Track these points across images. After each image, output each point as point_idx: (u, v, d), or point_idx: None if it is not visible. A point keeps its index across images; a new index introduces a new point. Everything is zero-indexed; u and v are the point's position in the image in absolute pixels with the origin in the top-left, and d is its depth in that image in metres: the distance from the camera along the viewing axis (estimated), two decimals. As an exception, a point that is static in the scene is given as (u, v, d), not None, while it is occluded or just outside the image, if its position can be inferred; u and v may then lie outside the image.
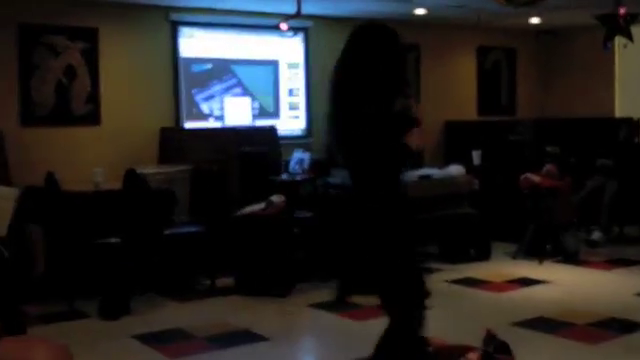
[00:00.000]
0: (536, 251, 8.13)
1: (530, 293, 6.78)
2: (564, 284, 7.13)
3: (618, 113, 11.17)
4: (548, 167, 8.37)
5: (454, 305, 6.23)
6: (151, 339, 5.53)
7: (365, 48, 3.50)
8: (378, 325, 5.78)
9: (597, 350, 5.12)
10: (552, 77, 12.15)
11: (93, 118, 8.42)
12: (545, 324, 5.75)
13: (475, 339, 4.90)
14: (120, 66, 8.61)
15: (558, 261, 8.00)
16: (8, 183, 6.77)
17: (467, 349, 4.75)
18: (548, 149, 9.02)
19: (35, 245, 6.65)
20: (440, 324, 5.66)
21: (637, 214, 9.27)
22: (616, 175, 9.10)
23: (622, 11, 7.90)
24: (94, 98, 8.41)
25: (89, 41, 8.36)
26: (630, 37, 8.40)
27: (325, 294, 6.67)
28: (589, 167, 8.98)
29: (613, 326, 5.66)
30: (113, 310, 6.17)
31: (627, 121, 9.97)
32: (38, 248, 6.68)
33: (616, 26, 8.04)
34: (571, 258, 8.05)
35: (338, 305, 6.32)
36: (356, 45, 3.53)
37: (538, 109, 12.01)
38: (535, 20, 10.83)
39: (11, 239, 5.53)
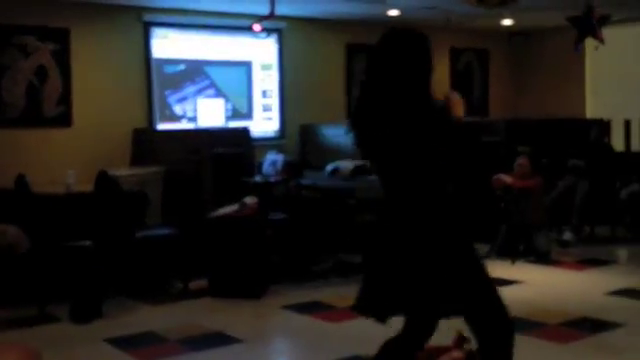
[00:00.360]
0: (508, 251, 8.16)
1: (504, 293, 6.79)
2: (536, 284, 7.16)
3: (589, 114, 11.27)
4: (520, 161, 8.39)
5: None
6: (124, 343, 5.48)
7: (398, 52, 3.47)
8: (351, 326, 5.80)
9: (568, 350, 5.15)
10: (524, 78, 12.24)
11: (65, 119, 8.36)
12: (517, 324, 5.74)
13: (449, 341, 4.90)
14: (92, 67, 8.56)
15: (530, 261, 8.03)
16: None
17: (450, 349, 4.73)
18: (519, 149, 9.05)
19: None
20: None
21: (608, 214, 9.34)
22: (587, 175, 9.16)
23: (595, 14, 7.98)
24: (66, 99, 8.36)
25: (60, 42, 8.30)
26: (601, 39, 8.47)
27: (299, 296, 6.70)
28: (560, 167, 9.04)
29: (584, 326, 5.69)
30: (85, 314, 6.11)
31: (598, 122, 10.05)
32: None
33: (587, 28, 8.09)
34: (543, 258, 8.09)
35: (311, 306, 6.35)
36: (389, 49, 3.50)
37: (510, 110, 12.08)
38: (507, 22, 10.89)
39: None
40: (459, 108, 3.36)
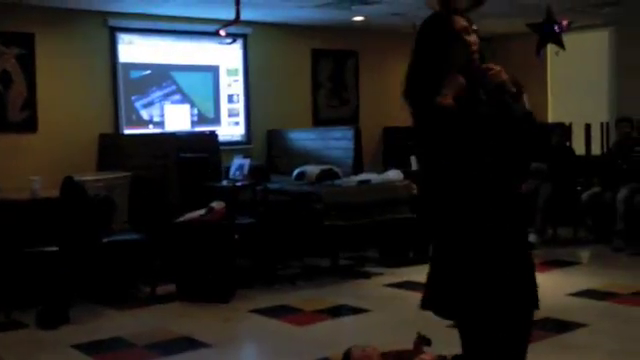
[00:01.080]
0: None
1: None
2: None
3: (551, 118, 11.38)
4: None
5: (394, 309, 6.26)
6: (91, 348, 5.44)
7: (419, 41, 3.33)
8: (319, 329, 5.82)
9: (532, 349, 5.12)
10: (487, 83, 12.32)
11: (30, 125, 8.30)
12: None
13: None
14: (57, 72, 8.50)
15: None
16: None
17: (419, 352, 4.73)
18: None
19: None
20: (381, 328, 5.71)
21: (570, 216, 9.44)
22: (550, 178, 9.25)
23: (564, 22, 8.07)
24: (31, 104, 8.29)
25: (25, 47, 8.23)
26: (562, 45, 8.57)
27: (267, 300, 6.70)
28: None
29: (547, 326, 5.71)
30: (52, 320, 6.06)
31: (559, 126, 10.15)
32: None
33: (548, 34, 8.19)
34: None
35: (279, 310, 6.35)
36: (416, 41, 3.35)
37: (474, 114, 12.17)
38: (470, 27, 10.96)
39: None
40: (501, 72, 3.14)
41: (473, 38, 3.12)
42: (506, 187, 3.10)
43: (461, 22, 3.13)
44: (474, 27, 3.13)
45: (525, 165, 3.34)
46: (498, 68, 3.13)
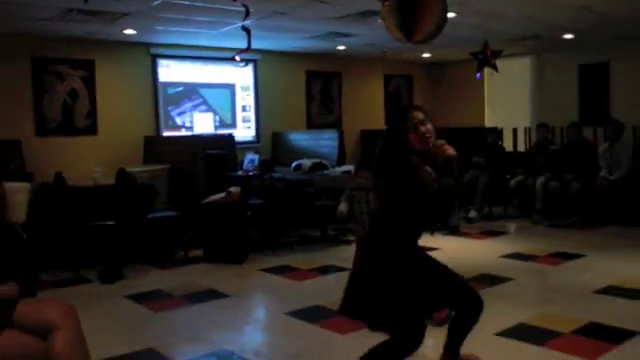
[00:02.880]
0: (427, 226, 8.24)
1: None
2: (449, 250, 7.22)
3: (487, 124, 11.40)
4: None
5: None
6: (139, 298, 5.47)
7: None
8: (312, 284, 5.85)
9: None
10: (439, 96, 12.35)
11: (92, 129, 8.31)
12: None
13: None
14: (112, 89, 8.50)
15: (445, 233, 8.12)
16: (26, 180, 6.63)
17: None
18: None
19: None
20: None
21: (501, 198, 9.49)
22: (486, 169, 9.29)
23: (490, 50, 8.09)
24: (92, 114, 8.30)
25: (88, 70, 8.24)
26: (495, 68, 8.59)
27: (272, 261, 6.72)
28: (466, 164, 9.14)
29: (484, 280, 5.75)
30: (110, 276, 6.09)
31: (493, 129, 10.17)
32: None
33: (485, 60, 8.21)
34: (454, 231, 8.19)
35: (282, 269, 6.38)
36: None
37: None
38: (426, 55, 11.02)
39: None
40: (446, 148, 3.22)
41: (429, 127, 3.25)
42: (418, 235, 3.35)
43: (418, 116, 3.26)
44: (427, 119, 3.27)
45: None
46: (445, 145, 3.23)
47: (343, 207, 5.79)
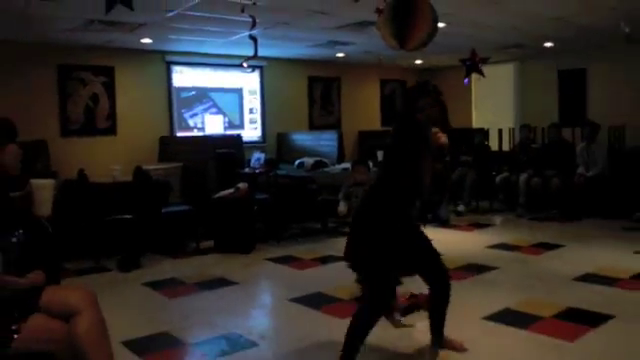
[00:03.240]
0: (420, 219, 8.23)
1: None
2: (439, 242, 7.16)
3: (474, 125, 11.40)
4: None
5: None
6: (155, 285, 5.48)
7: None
8: (314, 272, 5.85)
9: (461, 285, 5.23)
10: (430, 100, 12.31)
11: (111, 130, 8.31)
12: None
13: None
14: (130, 93, 8.50)
15: (435, 226, 8.12)
16: (52, 177, 6.63)
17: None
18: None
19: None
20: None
21: (488, 193, 9.48)
22: (474, 166, 9.29)
23: (477, 57, 8.06)
24: (112, 116, 8.30)
25: (108, 76, 8.24)
26: (482, 74, 8.57)
27: (277, 251, 6.73)
28: (455, 162, 9.15)
29: (471, 268, 5.76)
30: (128, 265, 6.10)
31: (480, 130, 10.17)
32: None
33: (472, 66, 8.18)
34: (445, 224, 8.20)
35: (286, 259, 6.38)
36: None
37: (421, 122, 12.17)
38: (418, 61, 11.01)
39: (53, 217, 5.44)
40: (440, 136, 3.30)
41: (435, 109, 3.35)
42: (411, 205, 3.42)
43: (427, 100, 3.36)
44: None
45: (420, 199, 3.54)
46: (439, 133, 3.30)
47: (342, 207, 5.76)
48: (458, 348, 3.63)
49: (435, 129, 3.30)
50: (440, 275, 3.48)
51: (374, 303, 3.27)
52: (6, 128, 2.86)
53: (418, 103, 3.34)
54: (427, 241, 3.48)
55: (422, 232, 3.52)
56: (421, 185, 3.27)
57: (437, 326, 3.58)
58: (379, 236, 3.23)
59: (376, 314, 3.26)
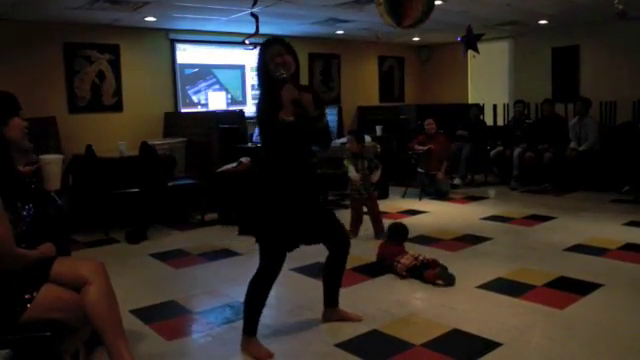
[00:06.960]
0: (420, 192, 8.27)
1: (415, 220, 6.89)
2: (436, 213, 7.28)
3: (470, 100, 11.35)
4: (428, 121, 8.43)
5: (363, 227, 6.22)
6: (162, 256, 5.52)
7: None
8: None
9: (457, 256, 5.28)
10: (427, 76, 12.27)
11: (118, 106, 8.25)
12: (424, 239, 5.88)
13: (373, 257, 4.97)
14: (135, 71, 8.42)
15: (432, 198, 8.16)
16: (60, 153, 6.63)
17: (398, 254, 4.72)
18: (420, 122, 9.10)
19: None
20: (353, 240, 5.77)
21: (482, 167, 9.50)
22: (469, 141, 9.29)
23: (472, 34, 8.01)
24: (118, 93, 8.23)
25: (113, 53, 8.15)
26: (477, 50, 8.52)
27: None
28: (452, 136, 9.15)
29: (466, 239, 5.80)
30: (135, 237, 6.14)
31: (476, 105, 10.14)
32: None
33: (469, 43, 8.13)
34: (443, 196, 8.22)
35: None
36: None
37: (419, 97, 12.14)
38: (416, 38, 10.91)
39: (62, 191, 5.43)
40: (292, 91, 3.15)
41: (285, 58, 3.23)
42: (300, 166, 3.28)
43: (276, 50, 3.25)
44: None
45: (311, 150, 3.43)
46: (292, 88, 3.15)
47: (353, 173, 5.85)
48: (354, 319, 3.70)
49: (288, 85, 3.12)
50: (340, 241, 3.48)
51: (264, 271, 3.24)
52: (8, 102, 2.84)
53: (268, 50, 3.22)
54: (327, 212, 3.43)
55: (320, 202, 3.47)
56: (291, 130, 3.10)
57: (332, 294, 3.68)
58: (267, 207, 3.16)
59: (268, 281, 3.25)
